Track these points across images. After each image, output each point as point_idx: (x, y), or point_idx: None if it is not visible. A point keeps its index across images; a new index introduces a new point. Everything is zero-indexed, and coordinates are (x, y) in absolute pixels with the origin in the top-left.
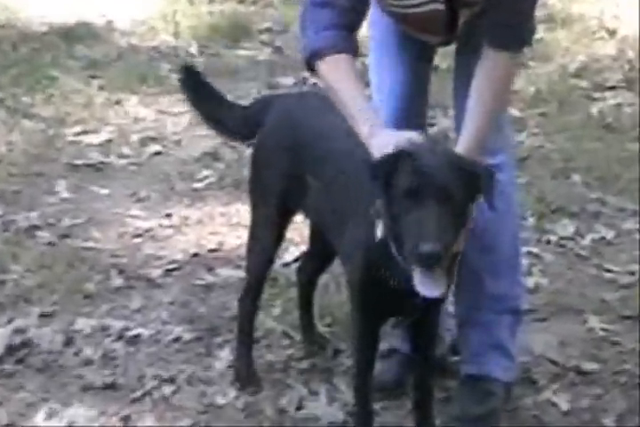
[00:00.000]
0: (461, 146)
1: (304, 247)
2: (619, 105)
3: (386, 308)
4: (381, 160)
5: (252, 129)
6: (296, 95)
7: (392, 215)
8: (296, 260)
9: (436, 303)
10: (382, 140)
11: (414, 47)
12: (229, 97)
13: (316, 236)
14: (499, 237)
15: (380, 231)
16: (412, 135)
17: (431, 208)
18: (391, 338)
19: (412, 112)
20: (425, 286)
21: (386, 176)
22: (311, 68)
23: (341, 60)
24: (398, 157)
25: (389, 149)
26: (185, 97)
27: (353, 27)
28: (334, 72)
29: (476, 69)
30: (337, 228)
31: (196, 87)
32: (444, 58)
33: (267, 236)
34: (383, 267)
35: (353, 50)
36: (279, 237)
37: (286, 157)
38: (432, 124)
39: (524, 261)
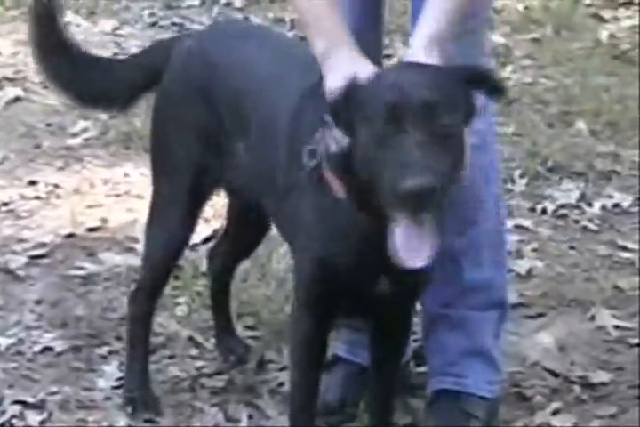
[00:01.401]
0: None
1: (217, 224)
2: (635, 28)
3: (343, 302)
4: (337, 98)
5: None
6: (210, 27)
7: (365, 158)
8: (207, 240)
9: (412, 294)
10: (337, 66)
11: None
12: (113, 21)
13: (238, 212)
14: (480, 206)
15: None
16: (364, 69)
17: (413, 133)
18: (333, 343)
19: (362, 40)
20: (408, 250)
21: (349, 113)
22: None
23: None
24: (357, 88)
25: (338, 82)
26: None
27: None
28: None
29: None
30: (277, 200)
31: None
32: None
33: (175, 215)
34: (345, 245)
35: None
36: (193, 218)
37: (201, 110)
38: (389, 56)
39: (513, 238)
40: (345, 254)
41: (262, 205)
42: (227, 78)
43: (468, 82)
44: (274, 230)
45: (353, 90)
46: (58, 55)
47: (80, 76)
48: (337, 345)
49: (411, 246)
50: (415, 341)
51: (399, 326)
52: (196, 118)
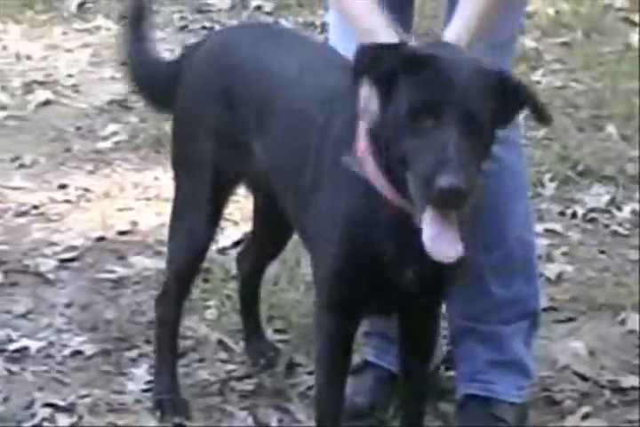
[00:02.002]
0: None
1: (246, 227)
2: None
3: (369, 300)
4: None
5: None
6: (235, 28)
7: (394, 140)
8: (236, 244)
9: (438, 295)
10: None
11: None
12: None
13: (263, 213)
14: (508, 227)
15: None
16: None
17: (453, 131)
18: (363, 348)
19: None
20: (438, 244)
21: (388, 75)
22: None
23: None
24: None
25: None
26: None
27: None
28: None
29: None
30: (299, 198)
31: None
32: None
33: (197, 215)
34: (370, 239)
35: None
36: (215, 218)
37: (220, 108)
38: None
39: (543, 242)
40: (370, 246)
41: (280, 203)
42: (249, 78)
43: (509, 92)
44: None
45: (406, 53)
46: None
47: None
48: (366, 350)
49: (441, 241)
50: (446, 345)
51: (426, 330)
52: (215, 115)
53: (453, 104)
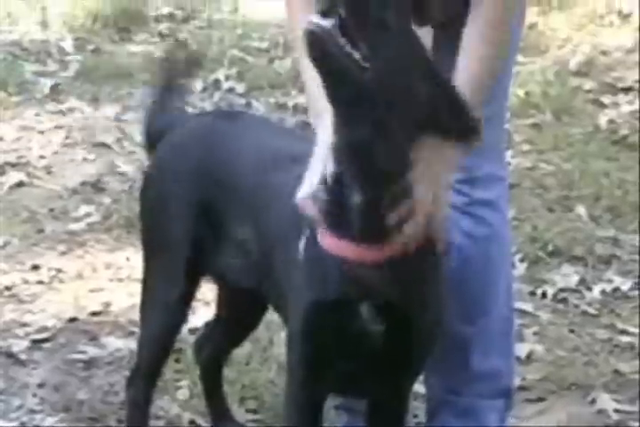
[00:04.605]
0: None
1: None
2: (635, 113)
3: (337, 364)
4: None
5: None
6: (209, 113)
7: None
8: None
9: (408, 374)
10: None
11: None
12: (116, 107)
13: (229, 299)
14: (493, 295)
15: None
16: None
17: None
18: (333, 420)
19: None
20: None
21: None
22: None
23: None
24: None
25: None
26: None
27: None
28: None
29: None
30: (286, 286)
31: None
32: None
33: (171, 295)
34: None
35: None
36: (189, 298)
37: (203, 192)
38: None
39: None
40: (331, 299)
41: (261, 292)
42: (234, 165)
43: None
44: (274, 315)
45: None
46: None
47: None
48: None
49: None
50: (418, 424)
51: (395, 406)
52: (196, 197)
53: None
